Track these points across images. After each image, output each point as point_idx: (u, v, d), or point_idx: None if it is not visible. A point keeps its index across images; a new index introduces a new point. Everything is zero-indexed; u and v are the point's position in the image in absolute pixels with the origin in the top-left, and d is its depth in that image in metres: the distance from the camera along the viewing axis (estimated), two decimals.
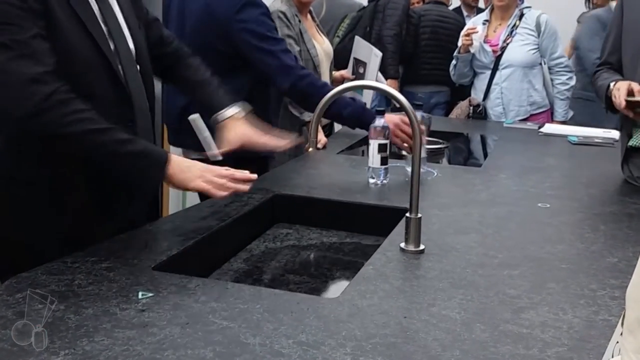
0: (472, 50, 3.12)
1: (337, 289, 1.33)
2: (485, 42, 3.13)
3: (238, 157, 1.86)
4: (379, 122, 1.90)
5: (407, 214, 1.36)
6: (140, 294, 1.10)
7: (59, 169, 1.33)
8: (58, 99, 1.22)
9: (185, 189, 1.36)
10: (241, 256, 1.49)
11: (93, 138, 1.25)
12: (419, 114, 2.04)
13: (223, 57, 1.99)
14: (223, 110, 1.55)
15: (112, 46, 1.34)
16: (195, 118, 1.53)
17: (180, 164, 1.34)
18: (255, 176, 1.42)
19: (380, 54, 2.54)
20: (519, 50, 3.06)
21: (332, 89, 2.12)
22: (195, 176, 1.34)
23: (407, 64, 3.81)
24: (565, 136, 2.63)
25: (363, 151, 2.34)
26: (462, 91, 3.47)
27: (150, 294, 1.10)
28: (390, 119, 2.01)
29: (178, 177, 1.32)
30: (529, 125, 2.95)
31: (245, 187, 1.41)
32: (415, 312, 1.08)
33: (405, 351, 0.95)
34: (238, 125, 1.55)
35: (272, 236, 1.63)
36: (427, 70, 3.76)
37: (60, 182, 1.34)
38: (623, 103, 1.76)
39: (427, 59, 3.76)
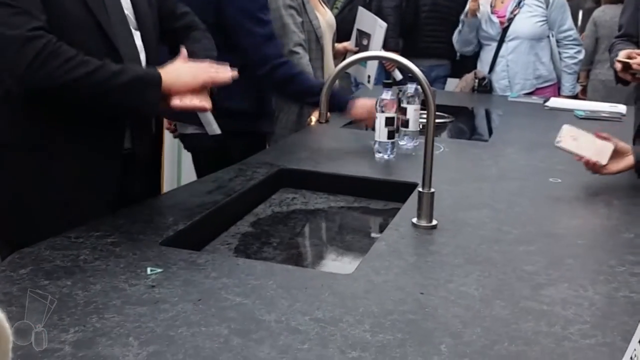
0: (478, 15, 3.05)
1: (349, 261, 1.30)
2: (492, 12, 3.07)
3: (235, 133, 1.80)
4: (386, 94, 1.85)
5: (420, 189, 1.32)
6: (149, 269, 1.07)
7: (44, 136, 1.31)
8: (49, 51, 1.22)
9: (192, 89, 1.32)
10: (248, 220, 1.46)
11: (86, 82, 1.25)
12: (412, 87, 2.02)
13: (219, 31, 1.93)
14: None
15: (103, 7, 1.32)
16: None
17: (171, 73, 1.32)
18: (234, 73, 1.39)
19: (385, 25, 2.46)
20: (527, 22, 3.00)
21: (309, 75, 2.09)
22: (193, 74, 1.33)
23: (406, 37, 3.74)
24: (571, 110, 2.60)
25: (366, 125, 2.30)
26: (463, 65, 3.41)
27: (160, 270, 1.07)
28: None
29: (179, 83, 1.31)
30: (534, 99, 2.91)
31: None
32: (433, 288, 1.05)
33: (426, 328, 0.93)
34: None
35: (278, 200, 1.60)
36: (427, 43, 3.68)
37: (46, 151, 1.31)
38: (619, 66, 1.73)
39: (428, 31, 3.68)
